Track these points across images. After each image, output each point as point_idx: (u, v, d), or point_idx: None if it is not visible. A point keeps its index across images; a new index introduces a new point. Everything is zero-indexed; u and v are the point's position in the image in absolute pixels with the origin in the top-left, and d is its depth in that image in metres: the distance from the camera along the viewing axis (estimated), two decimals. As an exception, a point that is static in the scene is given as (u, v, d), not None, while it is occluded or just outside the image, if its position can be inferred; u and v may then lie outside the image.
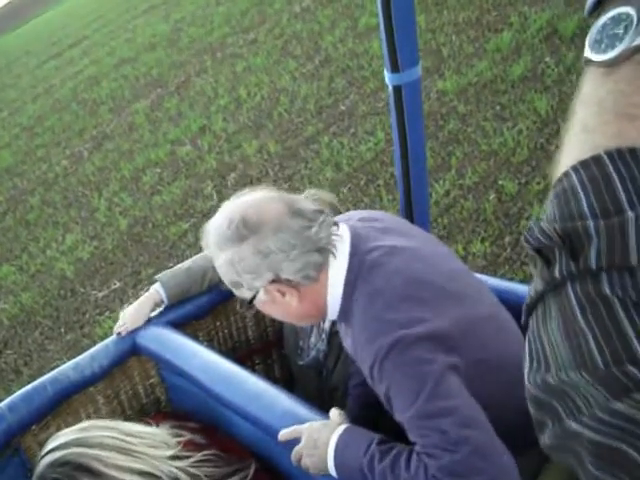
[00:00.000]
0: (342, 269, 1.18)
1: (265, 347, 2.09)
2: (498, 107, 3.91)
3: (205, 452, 1.32)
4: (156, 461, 1.23)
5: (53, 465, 1.20)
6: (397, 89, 1.68)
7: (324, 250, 1.17)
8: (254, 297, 1.19)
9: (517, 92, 3.96)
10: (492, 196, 3.29)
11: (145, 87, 7.45)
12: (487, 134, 3.71)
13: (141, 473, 1.20)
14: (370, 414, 1.57)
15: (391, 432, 1.23)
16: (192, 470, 1.26)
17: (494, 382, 1.20)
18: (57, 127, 7.69)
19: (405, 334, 1.08)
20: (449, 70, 4.54)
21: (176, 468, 1.24)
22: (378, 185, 3.79)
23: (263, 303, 1.21)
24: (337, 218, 1.29)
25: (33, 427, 1.61)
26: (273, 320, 2.06)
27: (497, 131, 3.69)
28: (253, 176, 4.59)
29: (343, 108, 4.83)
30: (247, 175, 4.64)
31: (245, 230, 1.13)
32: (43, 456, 1.22)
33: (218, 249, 1.16)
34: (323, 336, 1.73)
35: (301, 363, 1.80)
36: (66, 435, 1.25)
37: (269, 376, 2.07)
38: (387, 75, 1.68)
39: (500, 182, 3.33)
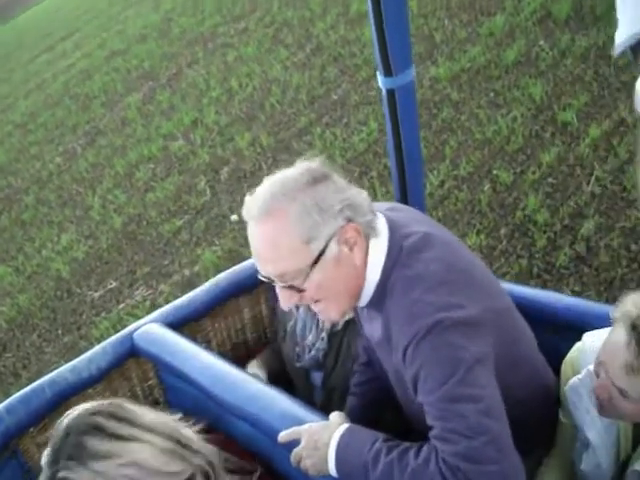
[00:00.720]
0: (382, 254, 1.19)
1: (264, 349, 2.06)
2: (492, 94, 3.84)
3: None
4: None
5: (80, 416, 1.17)
6: (390, 92, 1.65)
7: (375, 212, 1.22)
8: (322, 253, 1.14)
9: (511, 78, 3.89)
10: (487, 186, 3.24)
11: (137, 80, 7.37)
12: (481, 122, 3.64)
13: (171, 437, 1.16)
14: (372, 414, 1.58)
15: (392, 433, 1.23)
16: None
17: (512, 377, 1.21)
18: (50, 123, 7.62)
19: (444, 317, 1.10)
20: (442, 56, 4.46)
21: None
22: (371, 177, 3.73)
23: (328, 264, 1.15)
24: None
25: (31, 429, 1.61)
26: (271, 321, 2.06)
27: (491, 119, 3.63)
28: (246, 170, 4.54)
29: (335, 97, 4.76)
30: (240, 169, 4.58)
31: (318, 174, 1.16)
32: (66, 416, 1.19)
33: (289, 196, 1.13)
34: (323, 335, 1.71)
35: (299, 365, 1.77)
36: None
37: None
38: (380, 79, 1.64)
39: (495, 172, 3.28)
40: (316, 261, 1.14)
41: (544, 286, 2.62)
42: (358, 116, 4.39)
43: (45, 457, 1.15)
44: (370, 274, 1.19)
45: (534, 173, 3.14)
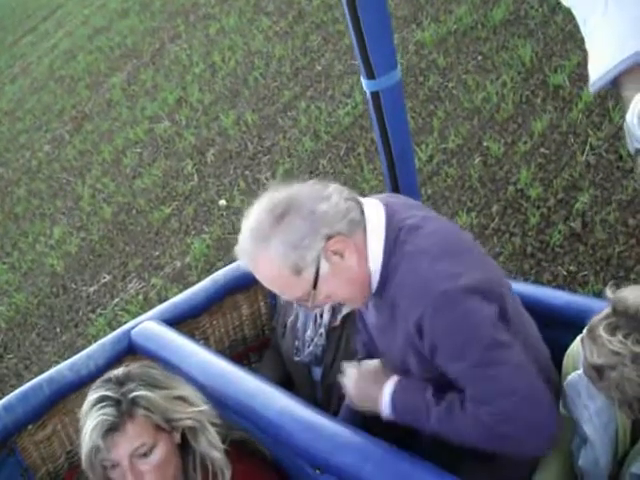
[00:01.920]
0: (380, 239, 1.21)
1: (262, 345, 2.07)
2: (480, 57, 3.65)
3: None
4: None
5: (118, 379, 1.29)
6: (375, 95, 1.58)
7: (355, 199, 1.23)
8: (317, 276, 1.18)
9: (499, 39, 3.69)
10: (477, 160, 3.10)
11: (120, 58, 7.19)
12: (469, 89, 3.48)
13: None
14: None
15: (391, 428, 1.28)
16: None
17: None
18: (37, 109, 7.50)
19: (456, 284, 1.12)
20: (427, 18, 4.25)
21: None
22: (358, 154, 3.60)
23: (327, 279, 1.20)
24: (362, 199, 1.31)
25: (29, 427, 1.62)
26: (269, 318, 2.05)
27: (480, 85, 3.46)
28: (232, 150, 4.43)
29: (319, 68, 4.59)
30: (226, 150, 4.47)
31: (279, 210, 1.17)
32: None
33: (263, 242, 1.17)
34: (321, 330, 1.70)
35: (297, 359, 1.76)
36: None
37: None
38: (363, 81, 1.55)
39: (485, 143, 3.14)
40: (315, 282, 1.19)
41: (539, 266, 2.52)
42: (343, 87, 4.23)
43: (106, 387, 1.26)
44: (374, 258, 1.21)
45: (525, 143, 3.00)
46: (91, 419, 1.24)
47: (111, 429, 1.22)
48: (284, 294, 1.25)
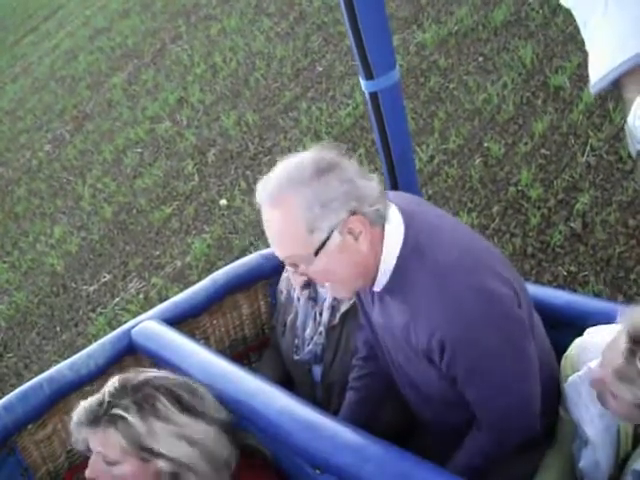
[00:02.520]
0: (398, 241, 1.20)
1: (262, 345, 2.07)
2: (481, 58, 3.66)
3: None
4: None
5: (166, 379, 1.25)
6: (374, 95, 1.58)
7: (386, 195, 1.21)
8: (324, 244, 1.15)
9: (500, 40, 3.70)
10: (478, 160, 3.11)
11: (121, 58, 7.19)
12: (470, 90, 3.48)
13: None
14: (371, 408, 1.57)
15: (392, 427, 1.31)
16: None
17: None
18: (38, 109, 7.50)
19: (486, 303, 1.13)
20: (428, 19, 4.25)
21: None
22: (360, 154, 3.60)
23: (331, 252, 1.16)
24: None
25: (29, 426, 1.61)
26: (270, 318, 2.05)
27: (481, 86, 3.46)
28: (233, 150, 4.43)
29: (320, 69, 4.59)
30: (227, 150, 4.47)
31: (325, 165, 1.14)
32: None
33: (296, 186, 1.13)
34: (321, 329, 1.69)
35: (297, 358, 1.75)
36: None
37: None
38: (362, 82, 1.55)
39: (486, 144, 3.14)
40: (319, 249, 1.15)
41: (539, 267, 2.53)
42: (344, 88, 4.24)
43: (110, 387, 1.22)
44: (386, 260, 1.20)
45: (526, 144, 3.00)
46: (84, 402, 1.25)
47: (85, 423, 1.22)
48: (281, 247, 1.20)
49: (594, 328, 1.27)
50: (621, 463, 1.22)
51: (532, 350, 1.22)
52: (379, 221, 1.18)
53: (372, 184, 1.17)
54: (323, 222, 1.13)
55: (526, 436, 1.28)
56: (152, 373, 1.29)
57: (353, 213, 1.14)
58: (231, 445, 1.29)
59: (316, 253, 1.15)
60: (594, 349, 1.15)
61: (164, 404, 1.23)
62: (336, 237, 1.15)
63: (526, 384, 1.23)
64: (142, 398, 1.22)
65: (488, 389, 1.20)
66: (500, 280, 1.17)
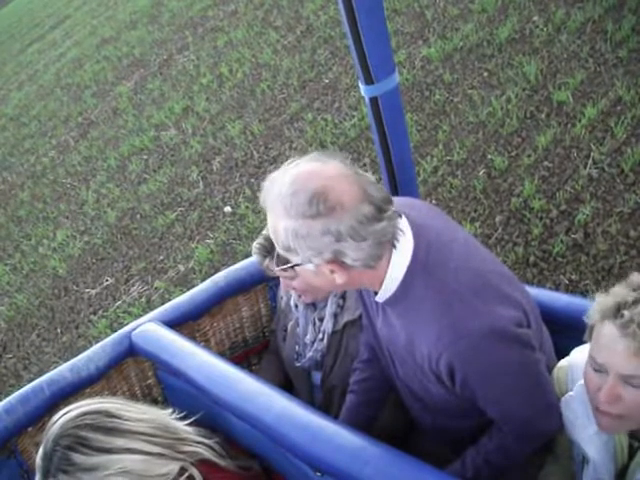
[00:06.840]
0: (404, 263, 1.17)
1: (262, 347, 2.07)
2: (485, 74, 3.72)
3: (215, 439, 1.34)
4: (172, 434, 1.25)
5: (65, 428, 1.19)
6: (374, 100, 1.59)
7: (388, 243, 1.15)
8: (299, 265, 1.15)
9: (504, 56, 3.77)
10: (481, 172, 3.15)
11: (127, 68, 7.26)
12: (475, 104, 3.54)
13: (159, 437, 1.21)
14: (371, 411, 1.57)
15: (391, 431, 1.30)
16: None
17: None
18: (43, 115, 7.54)
19: (489, 328, 1.12)
20: (433, 35, 4.33)
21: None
22: (364, 164, 3.65)
23: (306, 274, 1.18)
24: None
25: (29, 429, 1.61)
26: (270, 320, 2.05)
27: (485, 100, 3.52)
28: (238, 159, 4.47)
29: (326, 81, 4.65)
30: (232, 158, 4.51)
31: (322, 207, 1.06)
32: (54, 422, 1.21)
33: (286, 214, 1.09)
34: (321, 336, 1.69)
35: (298, 365, 1.76)
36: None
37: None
38: (361, 87, 1.57)
39: (489, 156, 3.19)
40: (294, 266, 1.16)
41: (541, 275, 2.56)
42: (349, 100, 4.29)
43: (37, 468, 1.17)
44: (393, 273, 1.18)
45: (529, 157, 3.06)
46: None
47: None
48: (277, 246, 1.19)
49: (582, 347, 1.25)
50: (619, 475, 1.21)
51: (543, 366, 1.24)
52: (362, 269, 1.13)
53: (363, 245, 1.09)
54: (299, 251, 1.11)
55: (550, 436, 1.31)
56: (58, 424, 1.21)
57: (332, 261, 1.11)
58: (172, 459, 1.24)
59: (294, 266, 1.16)
60: (582, 367, 1.14)
61: (79, 458, 1.17)
62: (310, 267, 1.14)
63: (544, 397, 1.24)
64: (61, 462, 1.17)
65: (508, 405, 1.22)
66: (509, 302, 1.17)
